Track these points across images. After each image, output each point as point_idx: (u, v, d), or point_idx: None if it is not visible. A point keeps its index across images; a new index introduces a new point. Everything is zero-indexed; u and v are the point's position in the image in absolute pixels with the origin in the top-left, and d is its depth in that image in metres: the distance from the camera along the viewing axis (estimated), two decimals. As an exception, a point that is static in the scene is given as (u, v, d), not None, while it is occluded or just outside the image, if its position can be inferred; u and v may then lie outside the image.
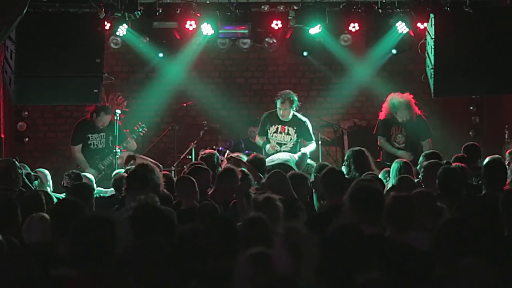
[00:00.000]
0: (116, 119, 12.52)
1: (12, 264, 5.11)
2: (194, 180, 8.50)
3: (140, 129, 13.03)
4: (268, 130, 12.92)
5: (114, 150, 12.47)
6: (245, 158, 11.24)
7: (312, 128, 13.10)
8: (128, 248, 5.77)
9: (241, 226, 5.95)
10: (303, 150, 12.62)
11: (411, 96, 13.10)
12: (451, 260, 5.03)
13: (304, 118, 13.01)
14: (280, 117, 12.82)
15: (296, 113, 12.92)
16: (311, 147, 12.82)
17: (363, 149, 10.37)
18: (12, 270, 5.07)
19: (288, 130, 12.86)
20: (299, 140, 12.88)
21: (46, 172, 10.59)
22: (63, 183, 10.16)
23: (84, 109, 13.72)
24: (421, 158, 10.37)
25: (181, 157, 14.25)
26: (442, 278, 4.62)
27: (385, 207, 6.14)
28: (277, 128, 12.89)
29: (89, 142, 12.84)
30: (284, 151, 12.73)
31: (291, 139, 12.82)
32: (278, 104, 12.79)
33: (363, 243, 5.79)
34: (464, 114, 16.09)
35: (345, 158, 10.32)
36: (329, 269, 5.15)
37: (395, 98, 13.09)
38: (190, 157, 14.09)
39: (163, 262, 5.15)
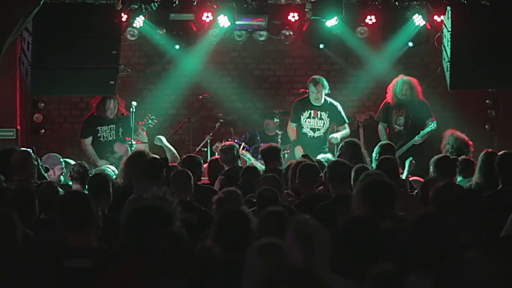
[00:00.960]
0: (132, 111, 12.51)
1: (27, 257, 5.14)
2: (191, 174, 8.39)
3: (150, 121, 12.87)
4: (301, 116, 12.97)
5: (130, 142, 12.45)
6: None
7: (344, 111, 13.21)
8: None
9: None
10: (334, 135, 12.77)
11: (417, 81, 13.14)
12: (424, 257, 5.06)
13: (335, 102, 13.12)
14: (314, 101, 12.90)
15: (327, 98, 13.00)
16: (344, 132, 13.01)
17: (356, 141, 10.67)
18: (26, 262, 5.10)
19: (320, 114, 12.95)
20: (330, 125, 13.00)
21: (73, 163, 10.53)
22: (69, 175, 10.06)
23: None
24: (376, 148, 10.47)
25: (197, 150, 14.26)
26: (447, 271, 4.60)
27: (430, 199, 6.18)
28: (310, 113, 12.98)
29: (98, 134, 12.76)
30: (317, 136, 12.84)
31: (324, 124, 12.92)
32: (311, 88, 12.91)
33: (379, 236, 5.80)
34: (480, 108, 16.01)
35: (338, 149, 10.50)
36: (343, 261, 5.15)
37: (399, 77, 13.12)
38: (205, 149, 14.10)
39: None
